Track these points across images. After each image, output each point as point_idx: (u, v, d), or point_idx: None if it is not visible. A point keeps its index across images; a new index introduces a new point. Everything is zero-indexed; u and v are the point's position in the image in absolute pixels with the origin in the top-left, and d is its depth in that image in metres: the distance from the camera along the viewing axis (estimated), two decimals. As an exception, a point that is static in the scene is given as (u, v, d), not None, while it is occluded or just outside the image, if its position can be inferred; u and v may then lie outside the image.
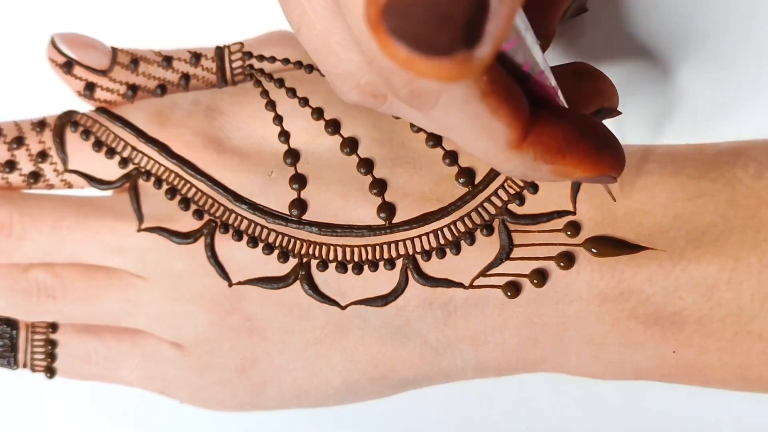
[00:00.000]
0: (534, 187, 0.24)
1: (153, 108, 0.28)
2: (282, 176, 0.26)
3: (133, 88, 0.28)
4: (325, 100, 0.26)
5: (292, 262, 0.26)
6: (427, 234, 0.25)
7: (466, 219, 0.25)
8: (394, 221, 0.25)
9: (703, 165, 0.24)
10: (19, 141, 0.28)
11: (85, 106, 0.29)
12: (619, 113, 0.23)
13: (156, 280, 0.27)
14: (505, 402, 0.30)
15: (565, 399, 0.29)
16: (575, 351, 0.24)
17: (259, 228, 0.26)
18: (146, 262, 0.27)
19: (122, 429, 0.32)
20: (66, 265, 0.28)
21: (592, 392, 0.28)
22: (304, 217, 0.26)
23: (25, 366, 0.29)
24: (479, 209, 0.25)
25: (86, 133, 0.28)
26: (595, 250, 0.23)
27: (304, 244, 0.25)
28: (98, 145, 0.28)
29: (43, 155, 0.28)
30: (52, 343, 0.28)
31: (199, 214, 0.26)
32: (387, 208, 0.25)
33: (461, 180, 0.25)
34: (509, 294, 0.24)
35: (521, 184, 0.24)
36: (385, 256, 0.25)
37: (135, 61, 0.28)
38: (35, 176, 0.28)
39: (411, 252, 0.25)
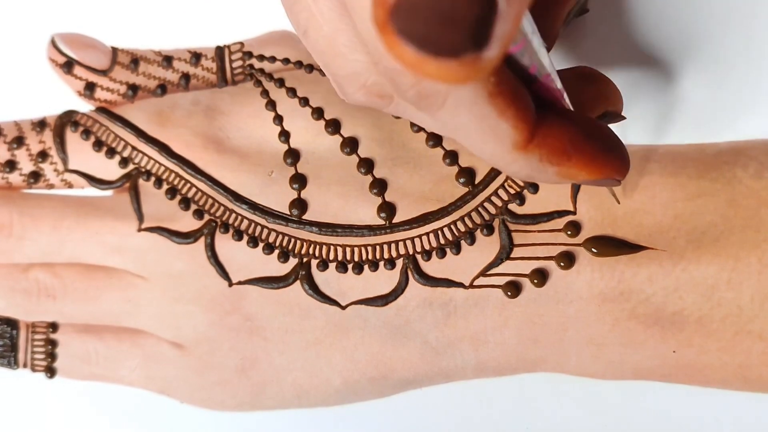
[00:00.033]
0: (534, 187, 0.24)
1: (153, 108, 0.28)
2: (282, 176, 0.26)
3: (134, 88, 0.28)
4: (325, 99, 0.26)
5: (293, 261, 0.26)
6: (427, 234, 0.25)
7: (466, 219, 0.24)
8: (394, 221, 0.25)
9: (703, 165, 0.24)
10: (19, 141, 0.28)
11: (85, 106, 0.29)
12: (623, 118, 0.23)
13: (156, 280, 0.27)
14: (505, 402, 0.30)
15: (565, 399, 0.29)
16: (575, 351, 0.24)
17: (259, 228, 0.26)
18: (146, 262, 0.27)
19: (122, 429, 0.32)
20: (66, 265, 0.28)
21: (592, 392, 0.28)
22: (304, 217, 0.25)
23: (25, 366, 0.29)
24: (479, 209, 0.24)
25: (86, 133, 0.28)
26: (595, 250, 0.23)
27: (305, 243, 0.25)
28: (98, 144, 0.28)
29: (43, 155, 0.28)
30: (53, 343, 0.28)
31: (199, 214, 0.26)
32: (387, 208, 0.25)
33: (461, 180, 0.25)
34: (509, 294, 0.24)
35: (521, 184, 0.24)
36: (386, 255, 0.25)
37: (135, 60, 0.28)
38: (35, 176, 0.28)
39: (411, 252, 0.25)
